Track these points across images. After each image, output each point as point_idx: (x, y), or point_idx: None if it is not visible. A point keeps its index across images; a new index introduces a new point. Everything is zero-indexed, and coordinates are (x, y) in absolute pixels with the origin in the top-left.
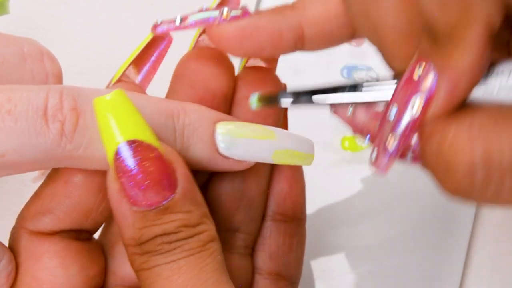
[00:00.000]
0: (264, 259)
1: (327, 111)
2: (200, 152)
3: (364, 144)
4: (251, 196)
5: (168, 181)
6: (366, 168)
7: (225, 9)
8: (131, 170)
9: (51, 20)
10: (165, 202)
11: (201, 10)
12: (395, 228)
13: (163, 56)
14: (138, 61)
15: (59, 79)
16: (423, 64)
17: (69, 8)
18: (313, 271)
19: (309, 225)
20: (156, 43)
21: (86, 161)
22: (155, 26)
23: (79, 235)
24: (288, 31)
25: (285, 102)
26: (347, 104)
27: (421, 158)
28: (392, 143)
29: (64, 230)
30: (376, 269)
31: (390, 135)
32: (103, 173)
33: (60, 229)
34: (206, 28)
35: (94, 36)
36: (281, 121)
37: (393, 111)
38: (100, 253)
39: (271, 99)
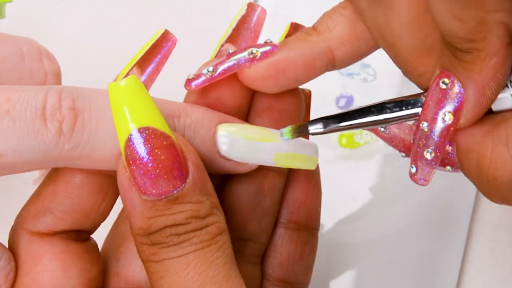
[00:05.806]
0: (274, 266)
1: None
2: (201, 154)
3: (402, 157)
4: (265, 206)
5: (179, 170)
6: (363, 165)
7: (253, 49)
8: (142, 157)
9: (50, 17)
10: (175, 191)
11: (228, 56)
12: (393, 224)
13: (167, 58)
14: (142, 62)
15: (58, 77)
16: (447, 78)
17: (68, 5)
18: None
19: None
20: (161, 45)
21: (85, 161)
22: (188, 82)
23: (79, 235)
24: (320, 58)
25: (315, 130)
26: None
27: (461, 169)
28: (429, 155)
29: (64, 230)
30: (375, 264)
31: (426, 148)
32: (103, 174)
33: (60, 229)
34: (237, 72)
35: (93, 33)
36: (302, 117)
37: (425, 125)
38: (99, 254)
39: (302, 129)
